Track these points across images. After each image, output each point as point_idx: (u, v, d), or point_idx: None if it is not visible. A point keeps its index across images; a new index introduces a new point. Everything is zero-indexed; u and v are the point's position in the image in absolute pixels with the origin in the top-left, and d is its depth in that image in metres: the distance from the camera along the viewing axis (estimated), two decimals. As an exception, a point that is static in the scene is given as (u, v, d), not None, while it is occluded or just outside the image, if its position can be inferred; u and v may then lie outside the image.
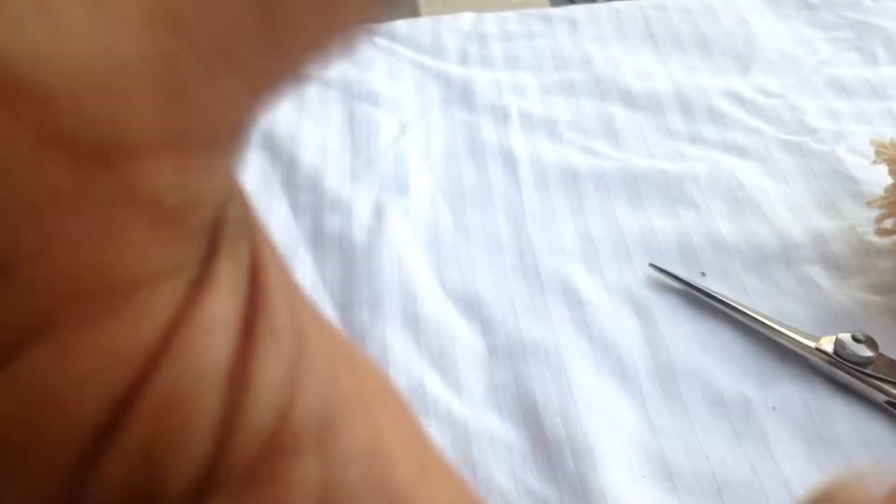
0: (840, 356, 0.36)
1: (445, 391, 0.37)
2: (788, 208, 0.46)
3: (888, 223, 0.40)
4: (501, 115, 0.52)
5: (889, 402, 0.35)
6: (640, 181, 0.48)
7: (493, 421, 0.36)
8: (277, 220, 0.46)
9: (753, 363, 0.38)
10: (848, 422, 0.35)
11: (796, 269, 0.42)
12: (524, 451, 0.35)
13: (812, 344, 0.37)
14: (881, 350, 0.37)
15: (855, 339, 0.36)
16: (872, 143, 0.42)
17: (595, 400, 0.36)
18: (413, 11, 0.72)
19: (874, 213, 0.44)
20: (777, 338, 0.38)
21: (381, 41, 0.58)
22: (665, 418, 0.36)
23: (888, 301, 0.40)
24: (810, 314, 0.40)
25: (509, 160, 0.50)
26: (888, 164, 0.40)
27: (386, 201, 0.46)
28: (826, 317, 0.40)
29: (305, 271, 0.43)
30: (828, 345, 0.37)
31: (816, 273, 0.42)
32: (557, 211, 0.47)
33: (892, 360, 0.36)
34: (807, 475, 0.34)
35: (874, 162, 0.41)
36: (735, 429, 0.35)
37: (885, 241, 0.42)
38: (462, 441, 0.35)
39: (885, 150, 0.41)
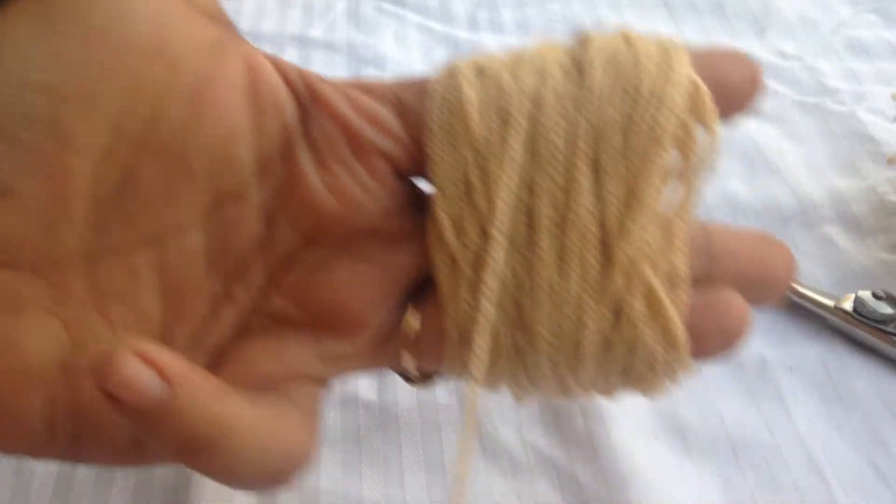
0: (860, 314, 0.35)
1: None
2: (807, 169, 0.45)
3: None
4: (511, 80, 0.51)
5: (911, 362, 0.34)
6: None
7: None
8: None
9: (770, 323, 0.37)
10: (867, 380, 0.34)
11: (815, 230, 0.41)
12: (531, 411, 0.34)
13: (831, 303, 0.36)
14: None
15: (875, 296, 0.35)
16: (894, 97, 0.40)
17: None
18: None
19: (894, 172, 0.42)
20: (795, 297, 0.37)
21: (389, 5, 0.56)
22: (678, 379, 0.35)
23: (910, 261, 0.39)
24: (829, 274, 0.39)
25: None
26: (910, 120, 0.38)
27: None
28: (845, 277, 0.39)
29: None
30: (847, 303, 0.35)
31: (835, 233, 0.41)
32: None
33: (913, 318, 0.35)
34: (825, 436, 0.33)
35: (893, 119, 0.40)
36: (751, 389, 0.34)
37: (906, 199, 0.40)
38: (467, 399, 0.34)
39: (907, 105, 0.39)
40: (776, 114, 0.48)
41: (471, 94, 0.23)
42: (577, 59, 0.23)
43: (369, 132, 0.23)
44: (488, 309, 0.22)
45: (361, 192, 0.23)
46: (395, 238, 0.24)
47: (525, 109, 0.22)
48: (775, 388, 0.34)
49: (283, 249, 0.24)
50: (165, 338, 0.23)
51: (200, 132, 0.22)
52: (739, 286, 0.23)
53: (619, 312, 0.22)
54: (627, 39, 0.23)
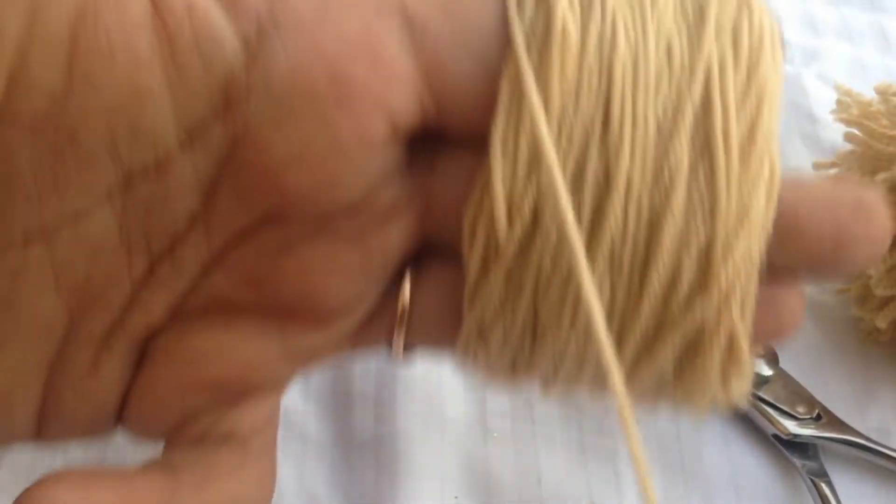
0: (729, 371, 0.29)
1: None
2: (726, 146, 0.37)
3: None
4: None
5: (776, 437, 0.29)
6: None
7: (293, 398, 0.29)
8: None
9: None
10: (721, 455, 0.29)
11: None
12: (321, 457, 0.28)
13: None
14: (782, 364, 0.30)
15: (753, 351, 0.29)
16: (836, 88, 0.33)
17: (420, 386, 0.29)
18: None
19: (824, 171, 0.36)
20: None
21: None
22: (505, 418, 0.29)
23: (812, 290, 0.33)
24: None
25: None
26: (846, 125, 0.31)
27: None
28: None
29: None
30: (719, 351, 0.30)
31: (735, 243, 0.34)
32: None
33: (793, 381, 0.30)
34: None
35: (834, 119, 0.33)
36: (583, 441, 0.29)
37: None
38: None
39: (848, 104, 0.32)
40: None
41: (572, 31, 0.18)
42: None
43: (362, 72, 0.17)
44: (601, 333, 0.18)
45: (343, 162, 0.18)
46: (387, 213, 0.19)
47: (630, 77, 0.18)
48: (612, 444, 0.29)
49: (230, 226, 0.18)
50: (74, 337, 0.19)
51: (87, 97, 0.16)
52: (805, 268, 0.19)
53: (692, 350, 0.19)
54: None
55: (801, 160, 0.37)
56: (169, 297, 0.19)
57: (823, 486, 0.28)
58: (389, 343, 0.21)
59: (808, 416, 0.29)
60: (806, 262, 0.19)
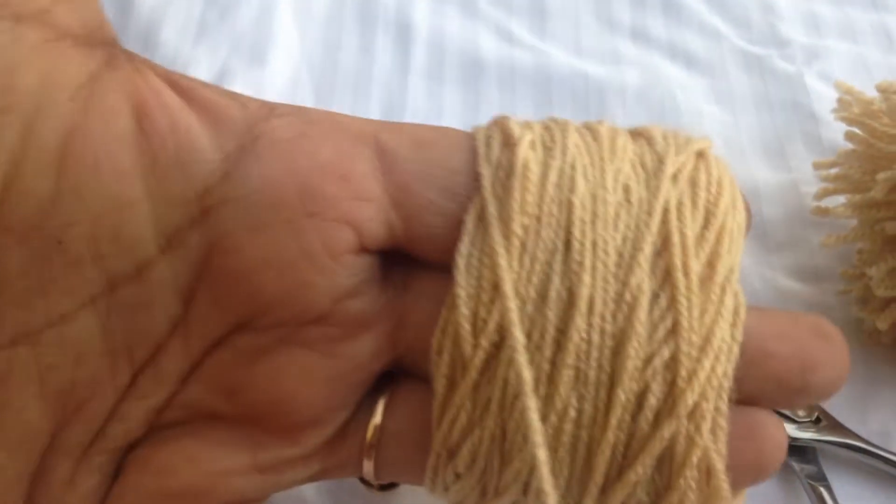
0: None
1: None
2: (725, 145, 0.37)
3: (828, 202, 0.32)
4: (405, -28, 0.42)
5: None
6: (555, 85, 0.39)
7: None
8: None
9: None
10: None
11: (713, 232, 0.34)
12: None
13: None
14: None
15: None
16: (837, 86, 0.32)
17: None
18: None
19: (824, 171, 0.35)
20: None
21: None
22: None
23: (813, 292, 0.33)
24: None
25: (404, 35, 0.40)
26: (847, 124, 0.31)
27: (234, 70, 0.37)
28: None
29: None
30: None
31: (734, 243, 0.34)
32: (446, 110, 0.38)
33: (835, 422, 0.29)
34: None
35: (835, 118, 0.32)
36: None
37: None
38: None
39: (849, 103, 0.31)
40: (711, 62, 0.40)
41: (533, 168, 0.20)
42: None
43: (332, 188, 0.19)
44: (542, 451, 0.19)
45: (312, 268, 0.19)
46: (357, 325, 0.19)
47: (588, 208, 0.19)
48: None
49: (207, 333, 0.19)
50: (57, 447, 0.19)
51: (73, 205, 0.18)
52: (776, 396, 0.20)
53: (666, 478, 0.19)
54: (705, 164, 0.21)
55: (801, 160, 0.36)
56: (148, 408, 0.20)
57: (822, 490, 0.27)
58: (361, 466, 0.21)
59: (808, 420, 0.29)
60: (775, 388, 0.19)
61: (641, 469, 0.19)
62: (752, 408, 0.20)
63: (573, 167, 0.20)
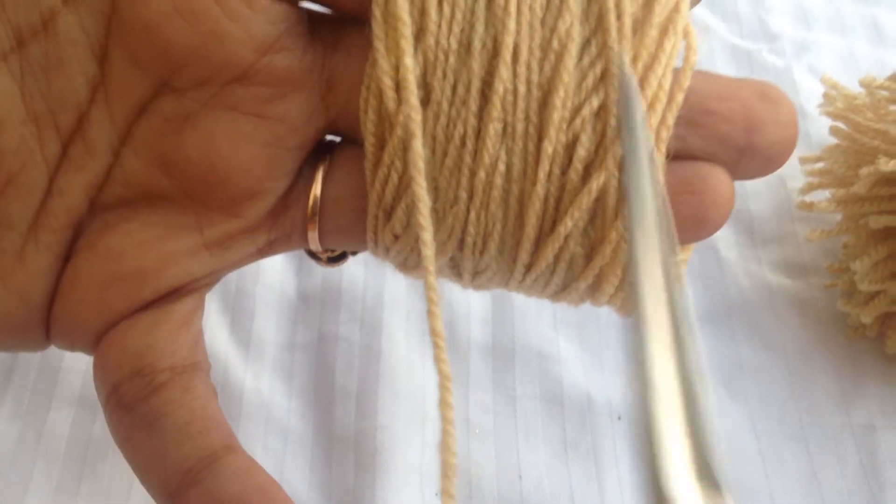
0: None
1: (231, 345, 0.30)
2: (714, 140, 0.37)
3: (814, 197, 0.32)
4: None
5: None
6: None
7: (275, 393, 0.29)
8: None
9: (594, 357, 0.31)
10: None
11: (700, 227, 0.34)
12: (302, 442, 0.28)
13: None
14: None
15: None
16: (823, 81, 0.33)
17: (404, 383, 0.29)
18: None
19: (811, 165, 0.35)
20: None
21: None
22: (487, 413, 0.29)
23: (800, 286, 0.33)
24: (698, 294, 0.33)
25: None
26: (831, 119, 0.31)
27: None
28: (714, 303, 0.32)
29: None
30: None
31: (720, 237, 0.34)
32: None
33: None
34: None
35: (820, 112, 0.32)
36: (565, 438, 0.29)
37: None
38: (232, 412, 0.29)
39: (834, 98, 0.32)
40: (700, 56, 0.40)
41: None
42: None
43: None
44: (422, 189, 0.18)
45: (224, 15, 0.18)
46: (284, 83, 0.19)
47: None
48: (595, 440, 0.29)
49: (129, 98, 0.19)
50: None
51: None
52: (722, 156, 0.19)
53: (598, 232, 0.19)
54: None
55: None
56: (86, 183, 0.20)
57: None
58: (306, 236, 0.21)
59: None
60: (719, 146, 0.19)
61: (571, 222, 0.18)
62: (695, 161, 0.19)
63: None
